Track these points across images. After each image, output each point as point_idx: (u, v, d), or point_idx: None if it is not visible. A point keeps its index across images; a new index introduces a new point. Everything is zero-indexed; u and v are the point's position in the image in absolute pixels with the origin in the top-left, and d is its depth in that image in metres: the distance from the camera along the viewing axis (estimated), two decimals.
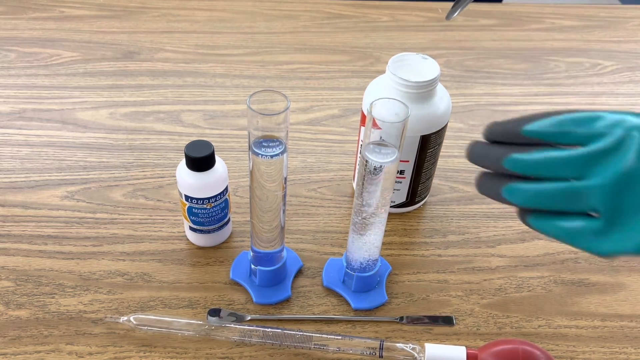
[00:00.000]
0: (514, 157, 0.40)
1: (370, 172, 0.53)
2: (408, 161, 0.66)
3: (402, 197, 0.71)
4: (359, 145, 0.69)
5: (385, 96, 0.54)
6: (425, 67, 0.63)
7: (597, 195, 0.39)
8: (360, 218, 0.57)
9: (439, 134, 0.65)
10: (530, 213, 0.42)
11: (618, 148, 0.39)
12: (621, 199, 0.39)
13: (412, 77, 0.62)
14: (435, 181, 0.74)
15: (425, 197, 0.73)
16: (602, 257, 0.42)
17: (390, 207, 0.69)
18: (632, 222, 0.39)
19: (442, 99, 0.64)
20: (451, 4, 0.63)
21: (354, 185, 0.74)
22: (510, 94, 0.92)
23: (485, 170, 0.44)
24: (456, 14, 0.60)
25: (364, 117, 0.66)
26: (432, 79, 0.62)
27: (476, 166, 0.44)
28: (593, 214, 0.40)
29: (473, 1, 0.62)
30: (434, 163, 0.69)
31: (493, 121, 0.43)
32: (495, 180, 0.43)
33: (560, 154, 0.39)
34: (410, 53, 0.64)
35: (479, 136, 0.81)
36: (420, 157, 0.66)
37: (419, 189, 0.70)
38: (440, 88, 0.65)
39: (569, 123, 0.39)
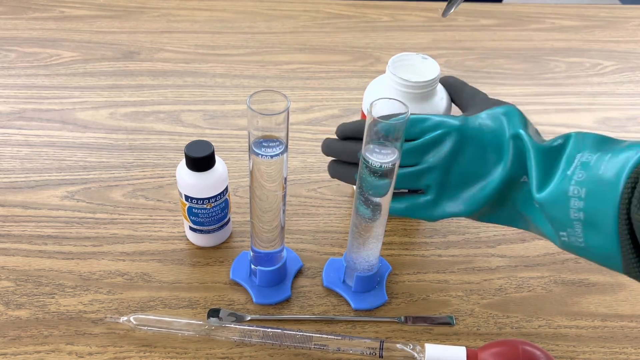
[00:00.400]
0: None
1: (371, 173, 0.53)
2: None
3: None
4: None
5: (385, 96, 0.54)
6: (425, 67, 0.63)
7: (430, 174, 0.55)
8: (360, 218, 0.57)
9: None
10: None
11: (441, 140, 0.54)
12: (447, 176, 0.55)
13: (412, 77, 0.62)
14: None
15: None
16: (432, 221, 0.57)
17: None
18: (455, 193, 0.55)
19: (442, 99, 0.64)
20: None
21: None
22: (511, 94, 0.92)
23: (336, 159, 0.60)
24: (452, 10, 0.62)
25: (364, 117, 0.66)
26: (432, 79, 0.62)
27: None
28: (423, 191, 0.56)
29: (466, 0, 0.63)
30: None
31: (342, 123, 0.60)
32: (347, 167, 0.60)
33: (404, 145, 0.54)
34: (410, 53, 0.64)
35: None
36: None
37: None
38: (440, 88, 0.65)
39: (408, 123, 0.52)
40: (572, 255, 0.69)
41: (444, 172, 0.55)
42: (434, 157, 0.55)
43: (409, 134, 0.56)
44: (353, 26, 1.05)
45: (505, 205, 0.54)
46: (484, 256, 0.69)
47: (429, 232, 0.71)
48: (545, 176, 0.49)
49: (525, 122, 0.54)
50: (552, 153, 0.50)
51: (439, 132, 0.55)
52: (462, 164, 0.54)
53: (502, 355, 0.54)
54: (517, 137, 0.52)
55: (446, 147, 0.54)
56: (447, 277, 0.67)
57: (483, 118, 0.55)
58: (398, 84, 0.62)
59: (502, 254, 0.69)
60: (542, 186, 0.48)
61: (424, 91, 0.62)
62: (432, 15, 1.09)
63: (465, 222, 0.73)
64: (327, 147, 0.61)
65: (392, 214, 0.58)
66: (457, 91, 0.63)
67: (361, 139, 0.51)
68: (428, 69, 0.63)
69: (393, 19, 1.08)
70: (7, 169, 0.75)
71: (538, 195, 0.48)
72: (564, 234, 0.47)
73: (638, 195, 0.40)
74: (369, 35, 1.03)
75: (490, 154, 0.53)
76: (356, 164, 0.57)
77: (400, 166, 0.54)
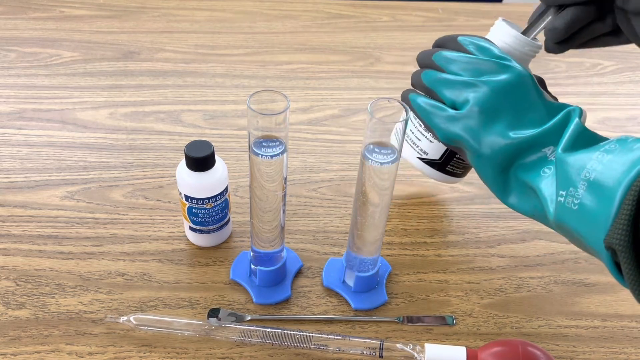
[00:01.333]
0: (440, 53, 0.56)
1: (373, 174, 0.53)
2: None
3: (436, 153, 0.67)
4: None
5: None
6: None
7: (475, 91, 0.53)
8: (360, 218, 0.57)
9: None
10: (412, 92, 0.56)
11: (503, 69, 0.53)
12: (487, 102, 0.52)
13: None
14: (435, 181, 0.74)
15: (459, 174, 0.69)
16: (441, 138, 0.54)
17: (420, 158, 0.67)
18: (481, 123, 0.52)
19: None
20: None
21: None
22: None
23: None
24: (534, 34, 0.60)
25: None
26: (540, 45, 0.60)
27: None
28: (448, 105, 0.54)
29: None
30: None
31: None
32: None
33: (467, 57, 0.55)
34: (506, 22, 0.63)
35: None
36: None
37: (454, 160, 0.67)
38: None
39: (475, 46, 0.55)
40: (572, 256, 0.69)
41: (489, 97, 0.52)
42: (488, 78, 0.53)
43: (475, 50, 0.55)
44: (353, 26, 1.05)
45: (509, 163, 0.51)
46: (484, 256, 0.69)
47: (429, 232, 0.71)
48: (576, 144, 0.48)
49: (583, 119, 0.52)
50: (594, 136, 0.48)
51: (505, 62, 0.53)
52: (507, 102, 0.52)
53: (502, 355, 0.54)
54: (571, 112, 0.50)
55: (504, 77, 0.52)
56: (447, 277, 0.67)
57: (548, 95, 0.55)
58: (515, 40, 0.59)
59: (502, 254, 0.69)
60: (568, 148, 0.47)
61: (532, 55, 0.60)
62: (432, 15, 1.09)
63: (465, 222, 0.73)
64: (419, 55, 0.59)
65: (408, 103, 0.56)
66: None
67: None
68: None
69: (393, 19, 1.08)
70: (7, 169, 0.75)
71: (561, 152, 0.47)
72: (563, 193, 0.45)
73: None
74: (369, 35, 1.03)
75: (537, 113, 0.52)
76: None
77: (451, 73, 0.54)
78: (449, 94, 0.54)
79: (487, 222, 0.73)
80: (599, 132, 0.50)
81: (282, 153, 0.51)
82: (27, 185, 0.74)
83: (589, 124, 0.88)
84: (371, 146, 0.52)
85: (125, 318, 0.59)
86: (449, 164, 0.67)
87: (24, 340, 0.58)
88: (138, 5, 1.07)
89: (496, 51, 0.54)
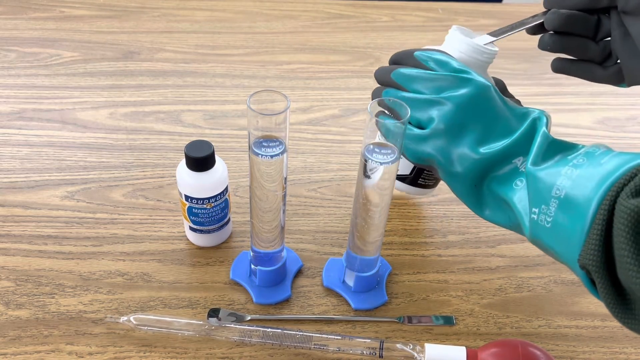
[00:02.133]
0: (399, 71, 0.55)
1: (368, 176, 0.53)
2: None
3: (406, 169, 0.68)
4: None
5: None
6: (481, 41, 0.61)
7: (439, 108, 0.52)
8: (360, 218, 0.57)
9: None
10: (381, 112, 0.55)
11: (465, 83, 0.52)
12: (452, 119, 0.51)
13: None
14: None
15: (431, 185, 0.70)
16: (410, 157, 0.54)
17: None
18: (449, 141, 0.52)
19: (489, 80, 0.62)
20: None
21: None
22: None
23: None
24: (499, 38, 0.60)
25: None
26: (496, 51, 0.60)
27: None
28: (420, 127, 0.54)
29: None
30: None
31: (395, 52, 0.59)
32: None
33: (427, 74, 0.54)
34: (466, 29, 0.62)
35: None
36: None
37: (424, 173, 0.68)
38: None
39: (432, 60, 0.55)
40: None
41: (453, 113, 0.51)
42: (450, 94, 0.52)
43: (434, 64, 0.55)
44: (353, 26, 1.05)
45: (481, 178, 0.51)
46: (484, 256, 0.69)
47: (429, 232, 0.71)
48: (545, 156, 0.48)
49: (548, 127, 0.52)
50: (561, 145, 0.48)
51: (465, 75, 0.52)
52: (471, 116, 0.51)
53: (502, 355, 0.54)
54: (536, 120, 0.50)
55: (466, 90, 0.52)
56: (447, 277, 0.67)
57: (510, 99, 0.54)
58: (469, 48, 0.58)
59: (502, 254, 0.69)
60: (538, 162, 0.47)
61: (489, 61, 0.60)
62: (432, 15, 1.09)
63: (465, 222, 0.73)
64: (377, 72, 0.59)
65: (379, 126, 0.52)
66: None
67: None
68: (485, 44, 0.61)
69: (393, 19, 1.08)
70: (7, 169, 0.75)
71: (530, 167, 0.47)
72: (536, 210, 0.45)
73: (635, 184, 0.39)
74: (369, 35, 1.03)
75: (503, 122, 0.51)
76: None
77: (412, 91, 0.54)
78: (413, 113, 0.53)
79: (487, 222, 0.73)
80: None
81: (282, 153, 0.51)
82: (27, 185, 0.74)
83: (590, 124, 0.88)
84: (371, 146, 0.52)
85: (125, 318, 0.59)
86: (420, 177, 0.68)
87: (24, 340, 0.58)
88: (138, 5, 1.07)
89: (455, 64, 0.54)
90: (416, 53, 0.56)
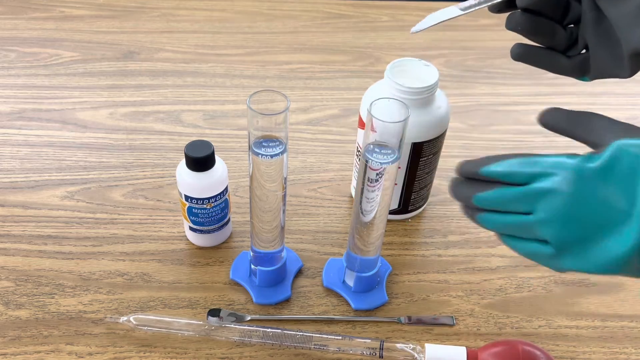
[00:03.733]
0: (477, 197, 0.46)
1: (369, 180, 0.53)
2: (400, 167, 0.65)
3: (393, 204, 0.70)
4: (357, 149, 0.68)
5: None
6: (424, 73, 0.62)
7: (543, 228, 0.43)
8: (360, 218, 0.57)
9: (434, 142, 0.64)
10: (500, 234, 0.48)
11: (555, 189, 0.42)
12: (566, 231, 0.42)
13: (409, 83, 0.61)
14: (435, 181, 0.74)
15: (421, 205, 0.72)
16: (561, 272, 0.45)
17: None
18: (577, 251, 0.43)
19: (440, 107, 0.64)
20: (450, 4, 0.62)
21: (352, 187, 0.73)
22: (511, 94, 0.92)
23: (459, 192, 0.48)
24: (424, 28, 0.55)
25: (362, 123, 0.65)
26: (429, 86, 0.61)
27: None
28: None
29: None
30: (430, 173, 0.68)
31: (463, 161, 0.47)
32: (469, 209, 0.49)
33: (509, 191, 0.44)
34: (411, 58, 0.64)
35: (479, 136, 0.82)
36: (413, 164, 0.65)
37: (412, 197, 0.70)
38: (439, 96, 0.64)
39: (515, 165, 0.44)
40: None
41: (562, 227, 0.42)
42: (547, 209, 0.42)
43: (515, 177, 0.44)
44: (353, 26, 1.05)
45: None
46: (484, 256, 0.69)
47: (429, 232, 0.71)
48: None
49: None
50: None
51: (551, 179, 0.42)
52: (584, 215, 0.42)
53: (502, 355, 0.54)
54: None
55: (561, 197, 0.42)
56: (447, 277, 0.67)
57: (608, 155, 0.42)
58: (395, 89, 0.61)
59: (502, 254, 0.69)
60: None
61: (421, 97, 0.61)
62: None
63: (465, 222, 0.73)
64: (452, 190, 0.48)
65: (513, 250, 0.47)
66: (572, 125, 0.49)
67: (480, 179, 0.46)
68: (428, 75, 0.62)
69: (393, 19, 1.08)
70: (7, 169, 0.75)
71: None
72: None
73: None
74: (369, 35, 1.03)
75: (619, 201, 0.41)
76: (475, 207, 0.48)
77: (509, 212, 0.45)
78: (526, 235, 0.45)
79: None
80: None
81: (282, 153, 0.51)
82: (27, 185, 0.74)
83: None
84: (371, 146, 0.52)
85: (125, 318, 0.59)
86: (409, 205, 0.71)
87: (24, 340, 0.58)
88: (138, 5, 1.06)
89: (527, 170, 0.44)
90: (482, 170, 0.45)
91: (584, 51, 0.51)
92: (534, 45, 0.53)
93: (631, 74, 0.49)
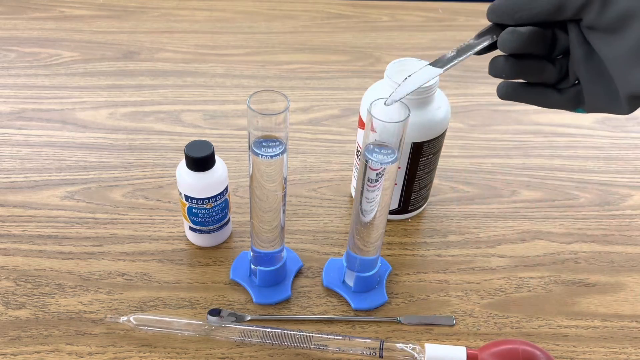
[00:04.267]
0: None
1: (369, 180, 0.53)
2: (400, 167, 0.66)
3: (393, 204, 0.70)
4: (357, 149, 0.68)
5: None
6: None
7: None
8: (360, 218, 0.57)
9: (434, 142, 0.64)
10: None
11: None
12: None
13: None
14: (435, 181, 0.74)
15: (421, 205, 0.72)
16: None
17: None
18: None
19: (440, 107, 0.64)
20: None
21: (352, 187, 0.74)
22: None
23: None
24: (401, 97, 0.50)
25: (361, 123, 0.65)
26: (429, 87, 0.61)
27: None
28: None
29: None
30: (430, 173, 0.68)
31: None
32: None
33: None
34: (411, 58, 0.63)
35: (479, 136, 0.81)
36: (413, 164, 0.65)
37: (412, 197, 0.70)
38: (439, 97, 0.64)
39: None
40: (572, 255, 0.69)
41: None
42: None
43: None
44: (353, 26, 1.05)
45: None
46: (484, 256, 0.69)
47: (428, 232, 0.71)
48: None
49: None
50: None
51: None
52: None
53: (502, 355, 0.54)
54: None
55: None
56: (447, 277, 0.67)
57: None
58: (393, 88, 0.60)
59: (502, 254, 0.69)
60: None
61: (420, 97, 0.61)
62: (432, 15, 1.09)
63: (465, 222, 0.73)
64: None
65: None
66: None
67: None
68: None
69: (393, 19, 1.08)
70: (7, 169, 0.75)
71: None
72: None
73: None
74: (369, 35, 1.03)
75: None
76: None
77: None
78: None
79: (487, 222, 0.73)
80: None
81: (282, 153, 0.52)
82: (27, 185, 0.74)
83: (590, 124, 0.88)
84: (371, 146, 0.52)
85: (125, 318, 0.59)
86: (409, 205, 0.71)
87: (24, 340, 0.58)
88: (138, 5, 1.07)
89: None
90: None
91: (576, 82, 0.48)
92: (522, 82, 0.50)
93: (630, 111, 0.46)
